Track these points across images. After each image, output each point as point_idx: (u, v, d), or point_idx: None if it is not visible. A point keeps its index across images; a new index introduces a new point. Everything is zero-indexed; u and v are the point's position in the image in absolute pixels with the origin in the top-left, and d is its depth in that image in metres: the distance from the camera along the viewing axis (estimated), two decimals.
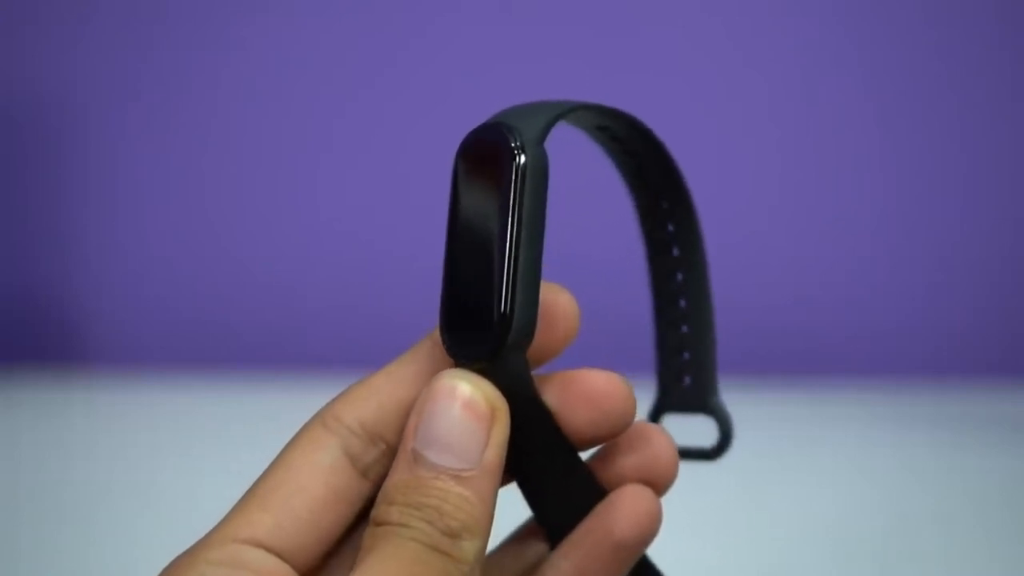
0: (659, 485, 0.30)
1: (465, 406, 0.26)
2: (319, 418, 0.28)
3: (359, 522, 0.28)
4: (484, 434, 0.26)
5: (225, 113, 0.89)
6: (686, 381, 0.34)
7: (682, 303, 0.34)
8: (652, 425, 0.30)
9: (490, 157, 0.26)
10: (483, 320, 0.26)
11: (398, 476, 0.26)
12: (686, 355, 0.34)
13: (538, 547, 0.30)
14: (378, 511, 0.26)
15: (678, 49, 0.86)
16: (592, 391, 0.28)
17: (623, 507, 0.29)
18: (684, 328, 0.34)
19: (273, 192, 0.89)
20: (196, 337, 0.90)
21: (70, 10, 0.88)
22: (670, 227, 0.33)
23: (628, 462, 0.30)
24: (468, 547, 0.25)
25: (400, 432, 0.27)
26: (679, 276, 0.33)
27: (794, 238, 0.87)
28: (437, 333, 0.28)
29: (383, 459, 0.28)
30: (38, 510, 0.59)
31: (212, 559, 0.26)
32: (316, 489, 0.27)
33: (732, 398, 0.85)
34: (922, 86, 0.86)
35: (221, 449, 0.66)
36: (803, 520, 0.58)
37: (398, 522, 0.25)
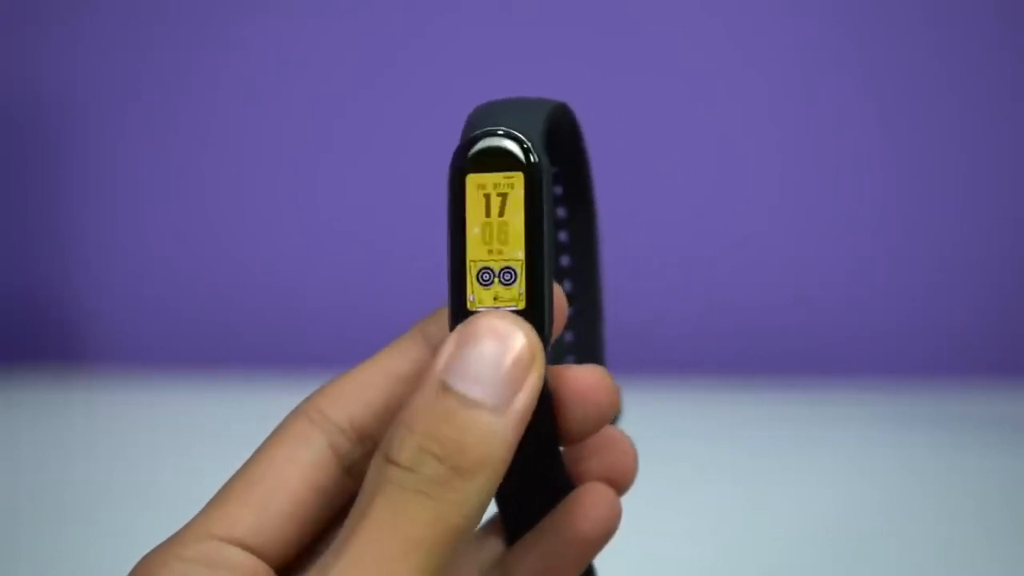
0: (621, 486, 0.30)
1: (509, 347, 0.25)
2: (303, 412, 0.27)
3: (339, 517, 0.28)
4: (521, 379, 0.25)
5: (225, 113, 0.89)
6: (568, 361, 0.34)
7: (567, 286, 0.34)
8: (616, 428, 0.30)
9: (508, 163, 0.26)
10: None
11: (421, 402, 0.25)
12: (568, 336, 0.34)
13: (493, 547, 0.30)
14: (392, 441, 0.25)
15: (678, 49, 0.86)
16: (586, 387, 0.28)
17: (589, 505, 0.29)
18: (569, 310, 0.33)
19: (273, 192, 0.89)
20: (196, 337, 0.90)
21: (70, 10, 0.88)
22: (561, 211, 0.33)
23: (593, 462, 0.30)
24: (478, 486, 0.24)
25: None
26: (565, 261, 0.33)
27: (794, 238, 0.87)
28: (426, 328, 0.28)
29: (369, 457, 0.27)
30: (38, 510, 0.59)
31: (188, 556, 0.25)
32: (299, 486, 0.26)
33: (732, 398, 0.86)
34: (922, 86, 0.86)
35: (221, 449, 0.66)
36: (803, 520, 0.58)
37: (407, 465, 0.24)
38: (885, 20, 0.85)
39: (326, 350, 0.88)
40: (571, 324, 0.34)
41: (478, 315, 0.25)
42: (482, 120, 0.27)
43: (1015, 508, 0.60)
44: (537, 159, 0.26)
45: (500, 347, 0.25)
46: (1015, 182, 0.86)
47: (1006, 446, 0.70)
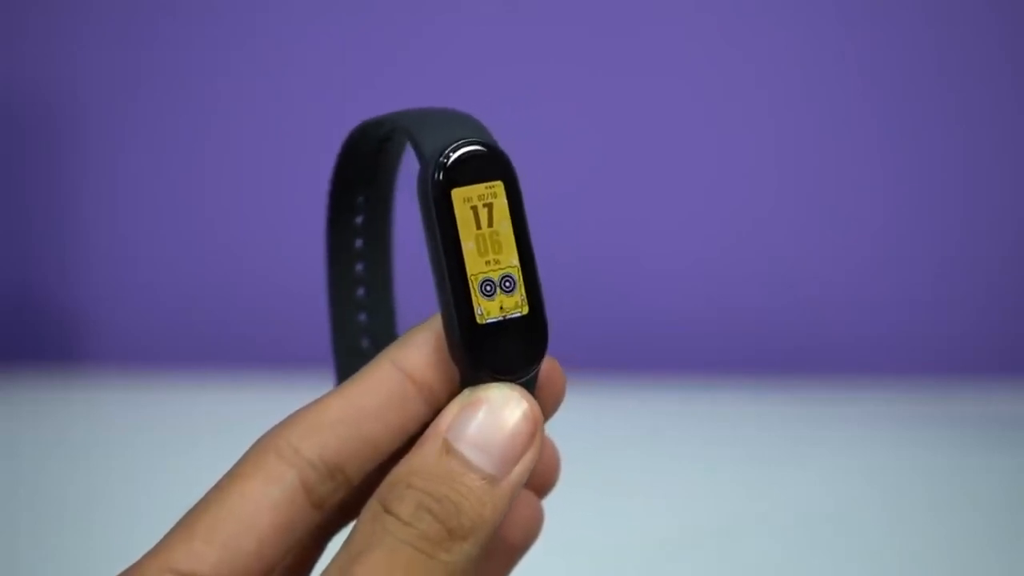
0: (543, 490, 0.31)
1: (518, 420, 0.26)
2: (271, 446, 0.27)
3: (302, 548, 0.28)
4: (521, 452, 0.26)
5: (225, 113, 0.89)
6: (364, 342, 0.34)
7: (361, 291, 0.33)
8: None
9: (491, 171, 0.27)
10: (525, 332, 0.26)
11: (423, 460, 0.25)
12: (365, 342, 0.34)
13: None
14: (392, 494, 0.25)
15: (678, 49, 0.86)
16: (544, 377, 0.28)
17: (517, 514, 0.30)
18: (363, 316, 0.33)
19: (274, 192, 0.89)
20: (196, 337, 0.90)
21: (71, 9, 0.88)
22: (359, 219, 0.33)
23: None
24: (468, 550, 0.25)
25: (363, 465, 0.27)
26: (359, 267, 0.33)
27: (794, 238, 0.87)
28: (397, 356, 0.28)
29: (339, 491, 0.27)
30: (38, 510, 0.59)
31: None
32: (266, 524, 0.26)
33: (732, 398, 0.86)
34: (922, 86, 0.86)
35: (221, 449, 0.66)
36: (803, 520, 0.58)
37: (406, 520, 0.25)
38: (885, 20, 0.85)
39: (327, 351, 0.88)
40: (366, 306, 0.34)
41: (486, 385, 0.26)
42: (428, 135, 0.27)
43: (1015, 508, 0.60)
44: (510, 163, 0.27)
45: (505, 419, 0.26)
46: (1015, 182, 0.86)
47: (1006, 446, 0.70)
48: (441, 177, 0.26)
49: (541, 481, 0.30)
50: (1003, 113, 0.86)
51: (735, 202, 0.87)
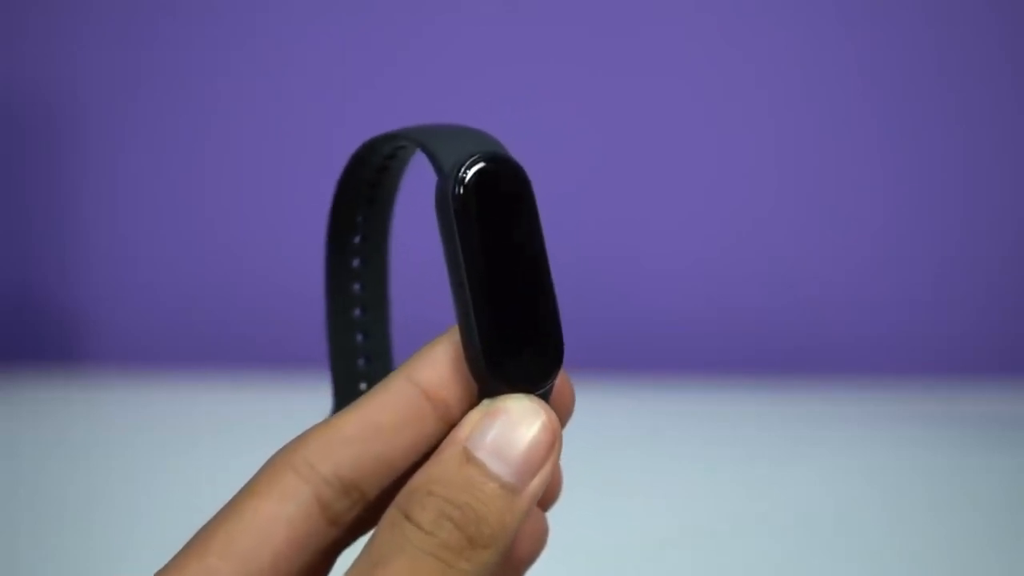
0: (546, 503, 0.31)
1: (537, 431, 0.26)
2: (288, 463, 0.27)
3: (316, 563, 0.28)
4: (540, 464, 0.26)
5: (225, 113, 0.89)
6: (362, 388, 0.33)
7: (357, 311, 0.34)
8: None
9: (510, 184, 0.27)
10: (543, 344, 0.27)
11: (443, 468, 0.26)
12: (361, 361, 0.34)
13: None
14: (412, 501, 0.25)
15: (678, 49, 0.86)
16: (557, 393, 0.28)
17: (526, 525, 0.30)
18: (360, 336, 0.34)
19: (274, 192, 0.89)
20: (196, 337, 0.90)
21: (71, 8, 0.88)
22: (357, 239, 0.33)
23: None
24: (488, 559, 0.25)
25: (379, 482, 0.27)
26: (356, 286, 0.34)
27: (794, 238, 0.87)
28: (412, 372, 0.28)
29: (355, 508, 0.27)
30: (38, 510, 0.59)
31: None
32: (281, 540, 0.26)
33: (732, 398, 0.86)
34: (922, 86, 0.86)
35: (221, 449, 0.66)
36: (803, 520, 0.58)
37: (427, 528, 0.25)
38: (885, 20, 0.85)
39: (326, 352, 0.88)
40: (362, 327, 0.34)
41: (505, 396, 0.26)
42: (445, 149, 0.27)
43: (1015, 508, 0.60)
44: (527, 177, 0.27)
45: (525, 430, 0.26)
46: (1015, 182, 0.86)
47: (1006, 446, 0.70)
48: (461, 190, 0.26)
49: (546, 494, 0.30)
50: (1003, 113, 0.86)
51: (735, 202, 0.87)
